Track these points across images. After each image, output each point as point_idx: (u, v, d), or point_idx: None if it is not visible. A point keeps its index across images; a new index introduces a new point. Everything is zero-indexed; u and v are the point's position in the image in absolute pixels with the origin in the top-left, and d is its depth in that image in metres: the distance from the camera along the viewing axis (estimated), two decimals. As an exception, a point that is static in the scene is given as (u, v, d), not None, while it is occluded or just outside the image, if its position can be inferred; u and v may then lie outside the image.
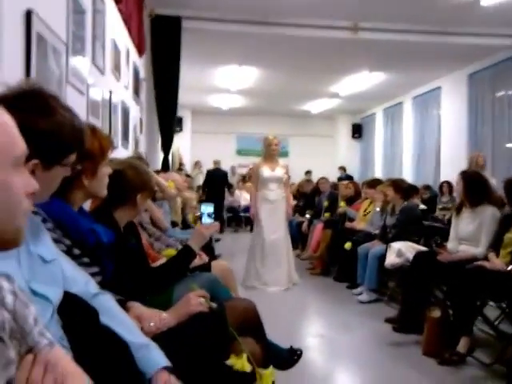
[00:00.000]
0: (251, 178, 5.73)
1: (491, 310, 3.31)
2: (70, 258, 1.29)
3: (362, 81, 9.39)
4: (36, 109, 1.07)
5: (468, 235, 3.46)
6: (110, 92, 3.73)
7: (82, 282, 1.24)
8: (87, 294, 1.22)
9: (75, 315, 1.11)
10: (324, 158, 13.57)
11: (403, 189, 4.74)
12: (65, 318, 1.08)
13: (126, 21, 4.48)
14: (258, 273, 4.96)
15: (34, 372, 0.72)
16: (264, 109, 12.98)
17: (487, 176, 5.44)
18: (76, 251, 1.38)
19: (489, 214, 3.36)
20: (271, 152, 5.10)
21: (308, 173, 12.39)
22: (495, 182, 5.39)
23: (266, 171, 5.07)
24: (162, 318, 1.46)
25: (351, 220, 5.76)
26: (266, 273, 4.94)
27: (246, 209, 9.89)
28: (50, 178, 1.12)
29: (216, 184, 10.60)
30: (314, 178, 9.69)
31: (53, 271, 1.10)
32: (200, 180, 12.37)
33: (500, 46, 6.84)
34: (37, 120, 1.06)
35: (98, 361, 1.05)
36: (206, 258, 2.56)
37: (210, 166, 11.74)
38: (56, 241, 1.28)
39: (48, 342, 0.78)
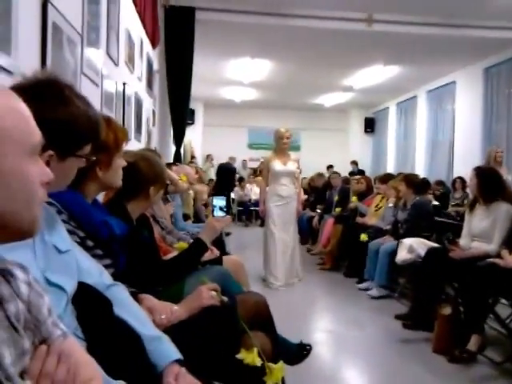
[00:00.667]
0: (262, 172, 5.48)
1: (503, 308, 3.28)
2: (83, 249, 1.30)
3: (375, 74, 9.30)
4: (51, 99, 1.07)
5: (481, 232, 3.42)
6: (124, 84, 3.74)
7: (97, 274, 1.25)
8: (101, 285, 1.23)
9: (89, 306, 1.12)
10: (336, 152, 13.51)
11: (415, 183, 4.70)
12: (79, 308, 1.09)
13: (140, 12, 4.47)
14: (271, 268, 4.85)
15: (48, 362, 0.72)
16: (276, 102, 12.93)
17: (504, 173, 5.37)
18: (89, 243, 1.39)
19: (503, 211, 3.31)
20: (283, 145, 4.91)
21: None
22: (511, 179, 5.31)
23: (277, 165, 4.89)
24: (174, 311, 1.46)
25: (362, 215, 5.73)
26: (280, 270, 4.84)
27: (257, 203, 9.92)
28: (65, 169, 1.12)
29: (224, 178, 11.03)
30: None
31: (67, 262, 1.10)
32: (212, 173, 12.42)
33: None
34: (52, 110, 1.05)
35: (111, 352, 1.06)
36: (217, 253, 2.56)
37: (222, 160, 11.94)
38: (70, 232, 1.29)
39: (61, 333, 0.78)
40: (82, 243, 1.35)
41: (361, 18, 6.38)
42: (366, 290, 4.65)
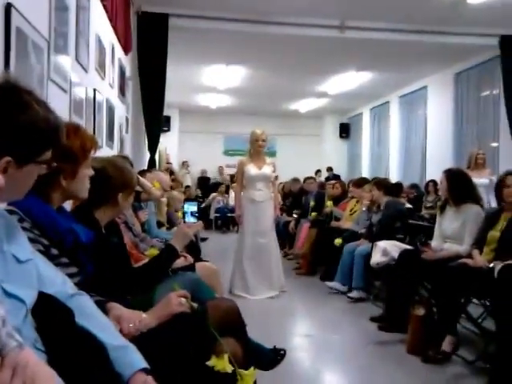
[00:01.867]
0: (236, 177, 5.10)
1: (475, 308, 3.33)
2: (47, 258, 1.27)
3: (349, 80, 9.43)
4: (9, 104, 1.04)
5: (452, 233, 3.48)
6: (94, 90, 3.69)
7: (59, 283, 1.22)
8: (64, 295, 1.20)
9: (50, 316, 1.08)
10: (312, 157, 13.62)
11: (385, 185, 4.81)
12: (39, 319, 1.06)
13: (112, 18, 4.43)
14: (245, 280, 4.62)
15: (2, 375, 0.70)
16: (252, 108, 12.97)
17: (485, 174, 5.42)
18: (54, 251, 1.36)
19: (472, 213, 3.38)
20: (258, 148, 4.70)
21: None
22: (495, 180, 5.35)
23: (252, 169, 4.69)
24: (142, 319, 1.43)
25: (338, 219, 5.78)
26: (253, 280, 4.60)
27: (234, 209, 10.04)
28: (24, 176, 1.08)
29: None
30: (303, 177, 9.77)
31: (27, 272, 1.07)
32: (188, 180, 12.41)
33: (486, 46, 6.91)
34: (10, 115, 1.02)
35: (74, 363, 1.03)
36: (190, 259, 2.55)
37: (198, 167, 12.11)
38: (33, 240, 1.26)
39: (17, 344, 0.76)
40: (45, 252, 1.32)
41: (333, 25, 6.45)
42: (332, 288, 4.71)
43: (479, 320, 3.33)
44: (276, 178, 5.14)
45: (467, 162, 5.92)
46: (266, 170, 4.74)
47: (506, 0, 5.61)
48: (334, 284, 4.76)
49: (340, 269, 4.77)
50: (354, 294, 4.53)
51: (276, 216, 5.07)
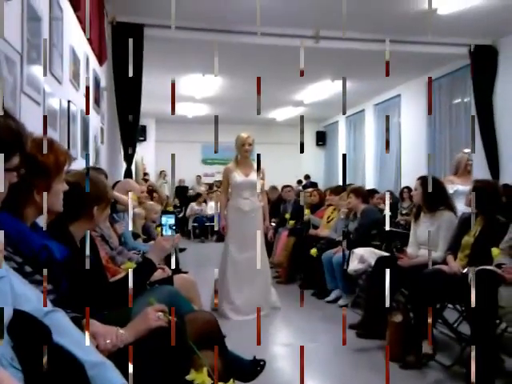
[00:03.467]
0: (221, 184, 4.87)
1: (451, 313, 3.39)
2: (21, 275, 1.25)
3: (324, 89, 9.55)
4: None
5: (427, 240, 3.53)
6: (69, 102, 3.65)
7: (35, 300, 1.21)
8: (40, 312, 1.19)
9: (26, 334, 1.07)
10: (289, 165, 13.71)
11: (363, 193, 4.88)
12: (16, 337, 1.05)
13: (86, 29, 4.39)
14: (228, 298, 4.32)
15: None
16: (229, 117, 12.99)
17: (470, 181, 5.44)
18: (28, 268, 1.34)
19: (446, 219, 3.45)
20: (244, 153, 4.42)
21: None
22: None
23: (237, 176, 4.39)
24: (119, 335, 1.42)
25: (316, 227, 5.81)
26: (240, 297, 4.31)
27: (213, 218, 10.10)
28: None
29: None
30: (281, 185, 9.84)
31: (1, 289, 1.06)
32: (165, 190, 12.33)
33: (456, 55, 7.09)
34: None
35: (51, 381, 1.02)
36: (169, 272, 2.53)
37: (176, 176, 12.06)
38: (6, 258, 1.24)
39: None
40: (19, 269, 1.30)
41: (308, 35, 6.54)
42: (336, 300, 4.77)
43: (455, 325, 3.38)
44: (264, 184, 4.78)
45: (455, 167, 5.65)
46: (254, 176, 4.41)
47: (474, 11, 5.79)
48: (332, 295, 4.84)
49: (327, 278, 4.85)
50: (342, 301, 4.67)
51: (267, 225, 4.79)
